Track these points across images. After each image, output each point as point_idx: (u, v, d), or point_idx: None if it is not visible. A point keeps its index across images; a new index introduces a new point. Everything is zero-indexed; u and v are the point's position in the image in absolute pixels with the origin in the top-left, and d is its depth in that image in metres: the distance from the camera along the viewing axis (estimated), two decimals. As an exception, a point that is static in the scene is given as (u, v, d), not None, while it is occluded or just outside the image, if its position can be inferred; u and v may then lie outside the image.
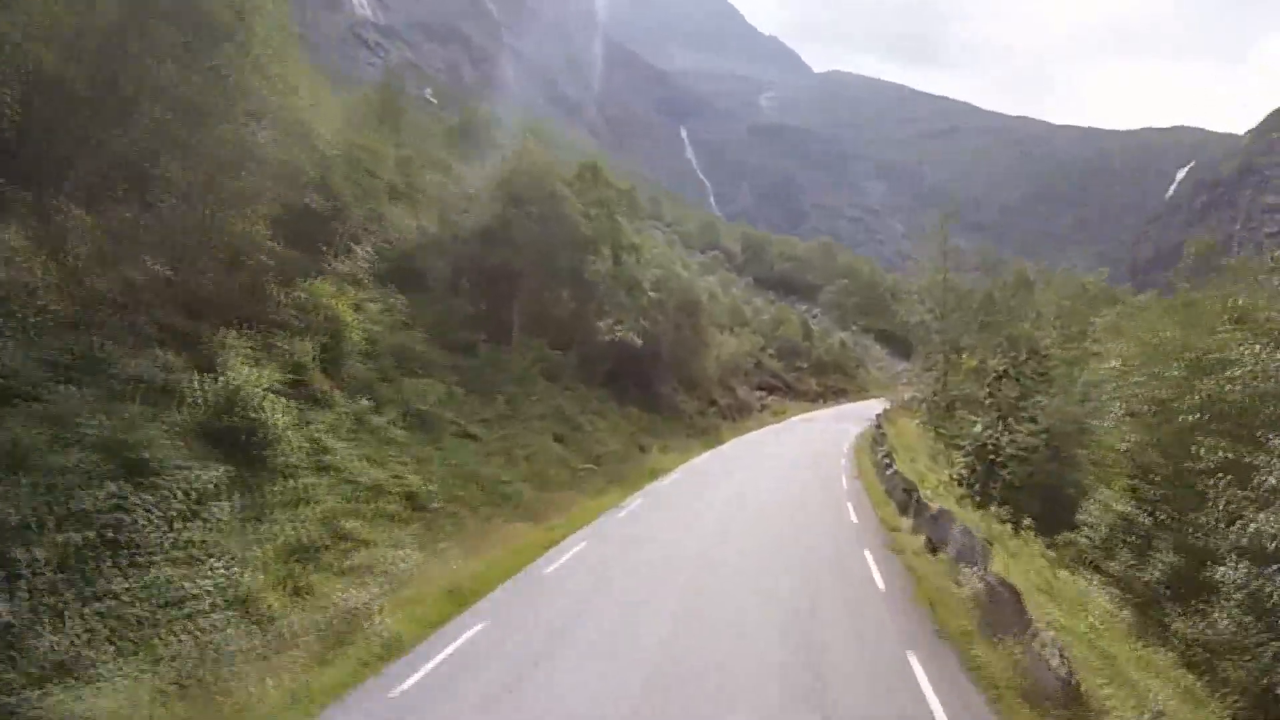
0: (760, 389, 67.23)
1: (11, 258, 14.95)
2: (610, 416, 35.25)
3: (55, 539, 11.54)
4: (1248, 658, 13.09)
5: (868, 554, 18.42)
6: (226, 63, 18.96)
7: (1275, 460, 13.77)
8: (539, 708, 10.22)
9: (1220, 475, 15.21)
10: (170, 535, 13.16)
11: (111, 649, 11.01)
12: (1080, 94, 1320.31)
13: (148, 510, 13.10)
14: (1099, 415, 23.61)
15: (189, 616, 12.17)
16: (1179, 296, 23.04)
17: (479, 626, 12.96)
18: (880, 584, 15.87)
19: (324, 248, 24.49)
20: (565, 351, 34.70)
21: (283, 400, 17.35)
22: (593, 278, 35.44)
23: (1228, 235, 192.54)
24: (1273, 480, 13.54)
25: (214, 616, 12.36)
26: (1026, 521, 21.97)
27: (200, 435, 15.72)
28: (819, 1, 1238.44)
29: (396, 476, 19.15)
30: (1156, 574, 17.27)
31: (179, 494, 13.94)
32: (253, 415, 16.21)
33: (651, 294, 39.63)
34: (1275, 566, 13.04)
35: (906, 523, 21.17)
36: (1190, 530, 16.43)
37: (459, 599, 14.17)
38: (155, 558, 12.69)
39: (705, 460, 37.30)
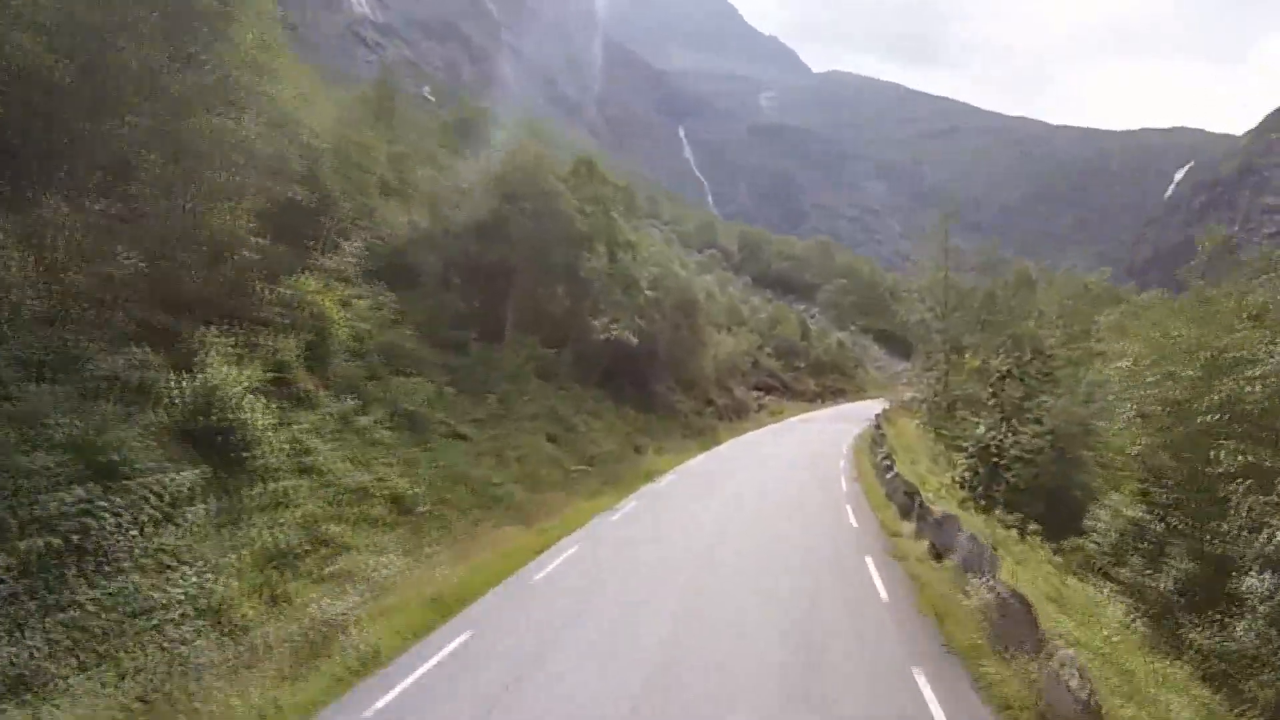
0: (758, 389, 66.64)
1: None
2: (605, 416, 34.64)
3: (18, 545, 11.00)
4: (1271, 672, 12.46)
5: (869, 560, 17.70)
6: (206, 49, 18.33)
7: None
8: None
9: (1240, 480, 14.59)
10: (141, 541, 12.62)
11: (74, 662, 10.48)
12: (1079, 94, 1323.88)
13: (117, 515, 12.52)
14: (1106, 416, 23.02)
15: (157, 627, 11.64)
16: (1193, 293, 22.25)
17: (463, 637, 12.30)
18: (883, 593, 15.14)
19: (311, 243, 23.84)
20: (560, 350, 34.05)
21: (263, 400, 16.74)
22: (588, 275, 34.81)
23: (1227, 237, 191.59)
24: None
25: (184, 627, 11.82)
26: (1032, 526, 21.34)
27: (177, 436, 15.16)
28: (818, 1, 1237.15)
29: (382, 479, 18.53)
30: (1170, 582, 16.65)
31: (151, 498, 13.38)
32: (230, 415, 15.62)
33: (648, 292, 39.00)
34: None
35: (908, 527, 20.42)
36: (1209, 537, 15.79)
37: (443, 607, 13.50)
38: (124, 565, 12.15)
39: (702, 461, 36.62)
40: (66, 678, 10.13)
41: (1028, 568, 17.30)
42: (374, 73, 73.13)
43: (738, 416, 55.25)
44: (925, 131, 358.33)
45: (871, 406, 65.74)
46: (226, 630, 12.21)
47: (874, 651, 11.91)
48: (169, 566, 12.69)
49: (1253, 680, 12.90)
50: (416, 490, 18.89)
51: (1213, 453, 15.25)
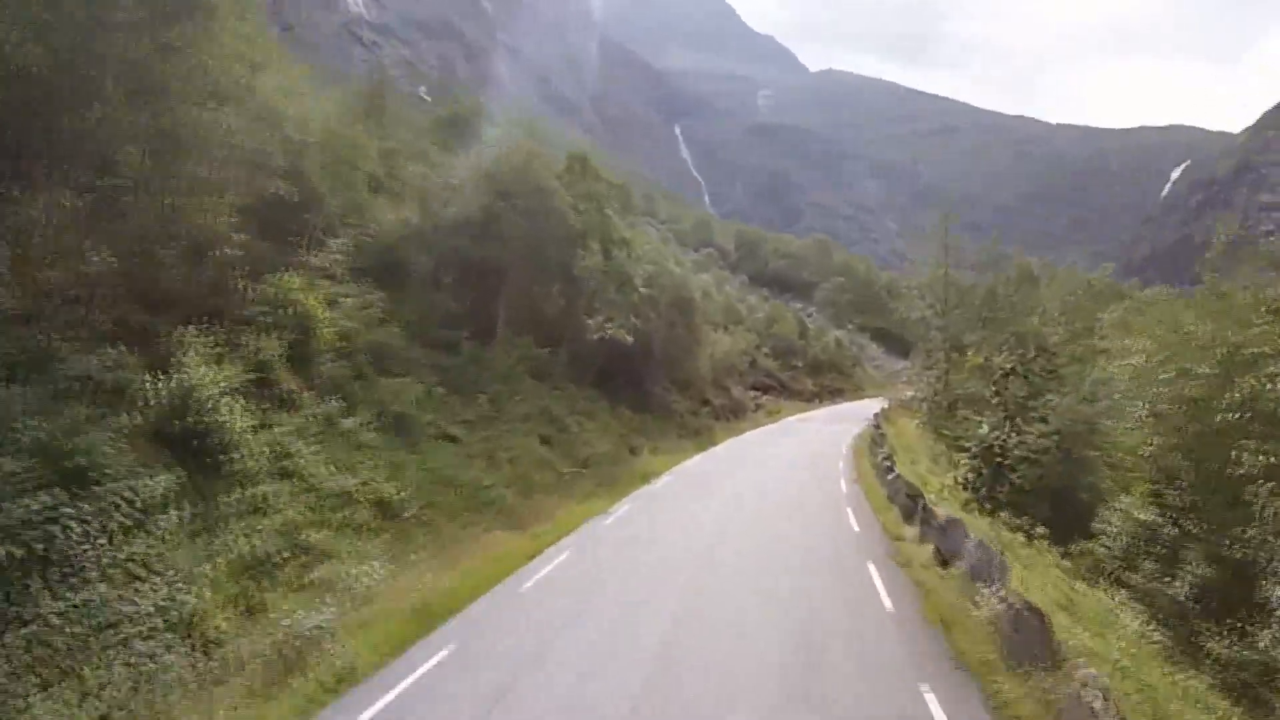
0: (755, 388, 66.05)
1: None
2: (599, 417, 34.02)
3: (-22, 556, 10.43)
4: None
5: (871, 567, 16.96)
6: (187, 41, 17.73)
7: None
8: None
9: (1262, 482, 13.96)
10: (109, 550, 12.01)
11: (35, 679, 9.87)
12: (1076, 93, 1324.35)
13: (85, 522, 11.94)
14: (1114, 415, 22.40)
15: (124, 641, 11.03)
16: (1207, 287, 21.53)
17: (445, 652, 11.64)
18: (887, 602, 14.38)
19: (295, 240, 23.21)
20: (553, 350, 33.46)
21: (241, 401, 16.14)
22: (582, 273, 34.22)
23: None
24: None
25: (152, 641, 11.19)
26: (1039, 529, 20.68)
27: (151, 439, 14.60)
28: (815, 1, 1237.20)
29: (367, 482, 17.87)
30: (1186, 589, 16.03)
31: (122, 504, 12.79)
32: (207, 418, 15.01)
33: (643, 290, 38.41)
34: None
35: (911, 531, 19.72)
36: (1228, 542, 15.17)
37: (426, 618, 12.85)
38: (90, 575, 11.55)
39: (698, 462, 36.03)
40: (27, 696, 9.55)
41: (1035, 573, 16.58)
42: (379, 77, 72.72)
43: (735, 416, 54.67)
44: (922, 130, 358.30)
45: (869, 406, 65.12)
46: (198, 644, 11.62)
47: (879, 666, 11.23)
48: (138, 577, 12.10)
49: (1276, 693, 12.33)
50: (403, 494, 18.25)
51: (1234, 453, 14.60)
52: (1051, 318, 38.57)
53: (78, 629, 10.75)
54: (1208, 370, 16.60)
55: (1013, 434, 25.51)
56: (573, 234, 34.08)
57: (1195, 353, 17.32)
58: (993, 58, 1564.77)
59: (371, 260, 26.36)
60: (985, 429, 27.21)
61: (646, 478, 29.56)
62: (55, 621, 10.62)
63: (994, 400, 28.43)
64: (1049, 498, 23.85)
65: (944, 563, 16.19)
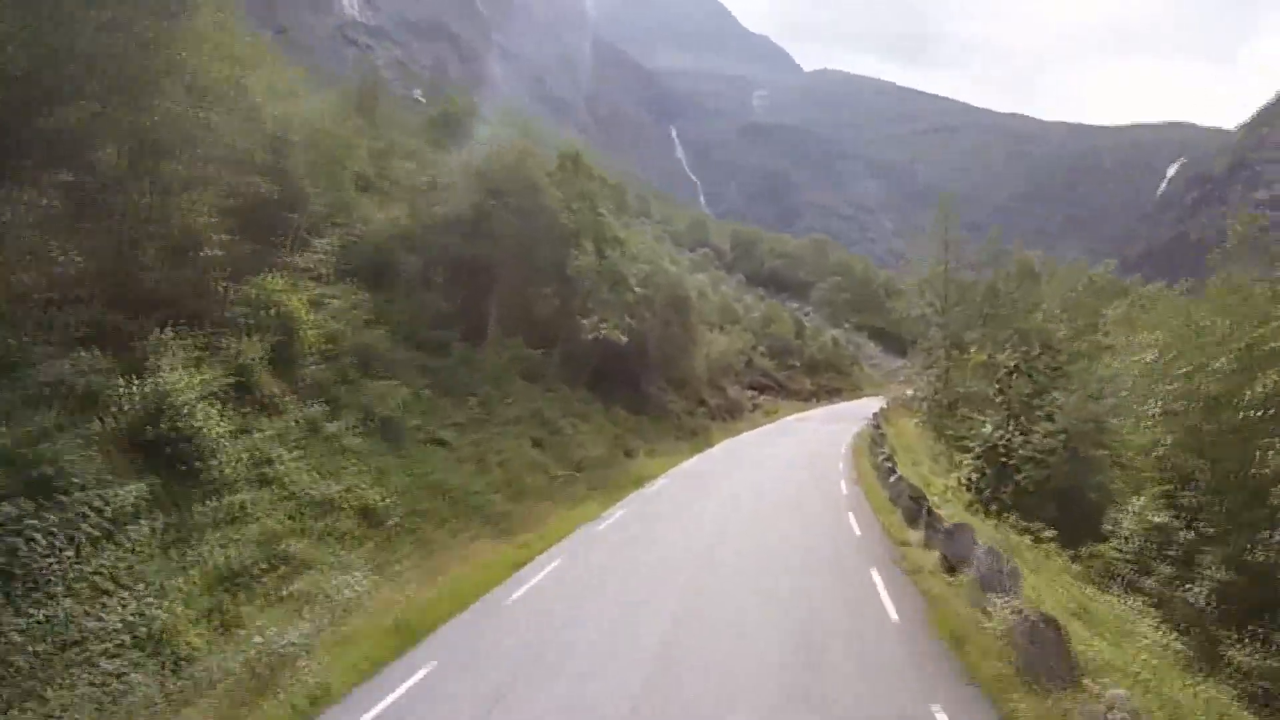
0: (752, 388, 65.52)
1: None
2: (594, 419, 33.42)
3: (-63, 571, 9.93)
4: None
5: (875, 574, 16.25)
6: (157, 30, 17.18)
7: None
8: None
9: None
10: (76, 563, 11.46)
11: (-5, 700, 9.33)
12: (1073, 91, 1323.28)
13: (50, 534, 11.40)
14: (1122, 413, 21.80)
15: (89, 659, 10.47)
16: (1221, 280, 20.87)
17: (425, 670, 11.03)
18: (892, 613, 13.67)
19: (279, 240, 22.63)
20: (546, 351, 32.85)
21: (219, 406, 15.57)
22: (575, 273, 33.64)
23: (1219, 231, 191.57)
24: None
25: (118, 659, 10.65)
26: (1049, 532, 20.04)
27: (124, 446, 14.00)
28: (810, 1, 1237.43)
29: (351, 489, 17.24)
30: (1203, 593, 15.44)
31: (90, 514, 12.23)
32: (182, 423, 14.42)
33: (638, 290, 37.82)
34: None
35: (915, 535, 19.02)
36: (1248, 545, 14.58)
37: (407, 633, 12.24)
38: (55, 590, 11.02)
39: (695, 464, 35.46)
40: (-15, 718, 9.02)
41: (1044, 577, 15.98)
42: (370, 76, 72.33)
43: (732, 417, 54.13)
44: (918, 129, 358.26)
45: (867, 405, 64.64)
46: (168, 662, 11.06)
47: (887, 683, 10.58)
48: (106, 591, 11.56)
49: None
50: (388, 501, 17.62)
51: (1257, 453, 14.02)
52: (1053, 314, 38.02)
53: (41, 647, 10.25)
54: (1225, 365, 16.00)
55: (1017, 433, 24.91)
56: (565, 233, 33.52)
57: (1211, 348, 16.71)
58: (989, 57, 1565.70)
59: (360, 261, 25.80)
60: (989, 428, 26.61)
61: (641, 481, 28.90)
62: (17, 639, 10.12)
63: (997, 399, 27.83)
64: (1055, 499, 23.25)
65: (951, 569, 15.53)
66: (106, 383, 14.44)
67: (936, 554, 16.83)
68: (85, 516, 12.10)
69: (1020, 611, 10.61)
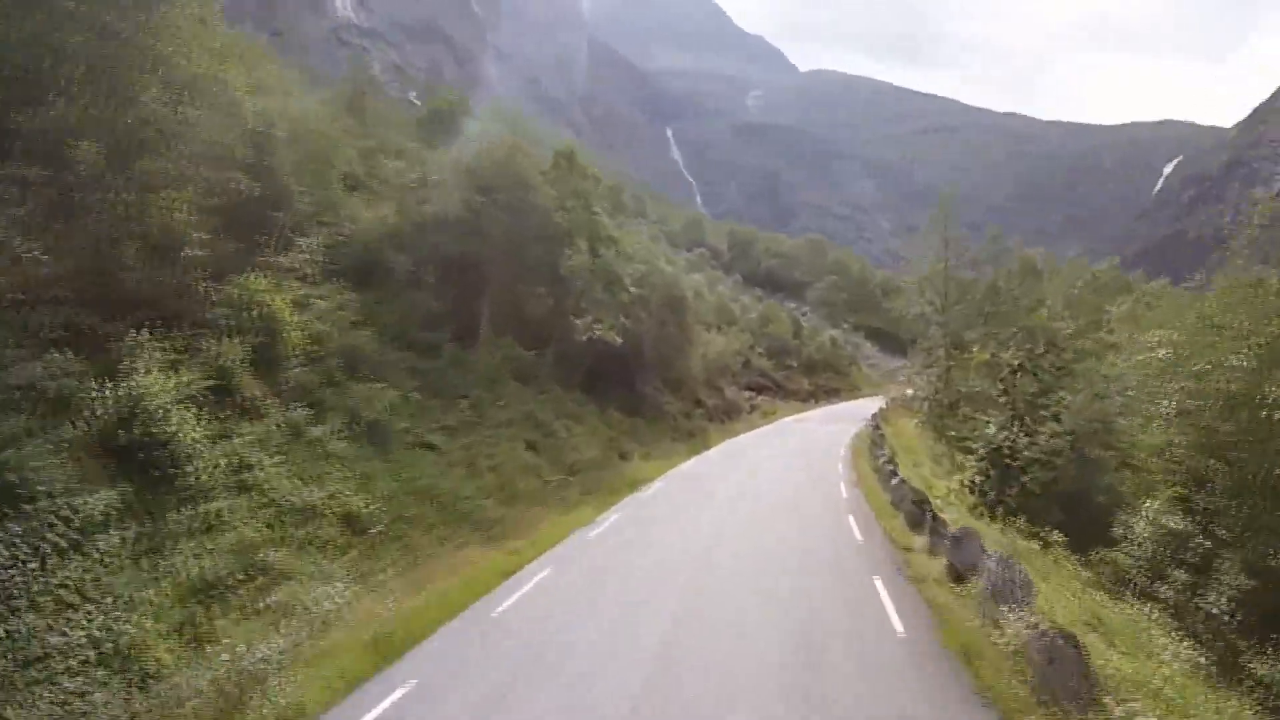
0: (749, 389, 65.03)
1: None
2: (588, 421, 32.83)
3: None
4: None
5: (878, 583, 15.50)
6: (129, 20, 16.67)
7: None
8: None
9: None
10: (40, 576, 10.89)
11: (-50, 722, 8.83)
12: (1069, 90, 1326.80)
13: (12, 545, 10.87)
14: (1132, 412, 21.19)
15: (51, 677, 9.92)
16: (1236, 273, 20.20)
17: (403, 690, 10.40)
18: (898, 625, 12.92)
19: (262, 239, 22.05)
20: (539, 351, 32.29)
21: (195, 410, 14.99)
22: (569, 272, 33.06)
23: (1217, 229, 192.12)
24: None
25: (82, 677, 10.09)
26: (1056, 537, 19.39)
27: (96, 452, 13.45)
28: (804, 2, 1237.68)
29: (334, 495, 16.64)
30: (1222, 601, 14.85)
31: (57, 523, 11.68)
32: (155, 428, 13.87)
33: (633, 290, 37.25)
34: None
35: (919, 541, 18.38)
36: (1271, 550, 13.98)
37: (386, 649, 11.60)
38: (17, 604, 10.44)
39: (691, 466, 34.91)
40: (-60, 742, 8.51)
41: (1053, 583, 15.30)
42: (362, 76, 71.95)
43: (729, 418, 53.63)
44: (914, 129, 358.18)
45: (866, 405, 64.17)
46: (135, 679, 10.50)
47: (897, 703, 9.91)
48: (71, 605, 10.99)
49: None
50: (372, 508, 17.01)
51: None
52: (1056, 312, 37.41)
53: (1, 664, 9.66)
54: (1245, 363, 15.39)
55: (1022, 434, 24.29)
56: (559, 231, 32.96)
57: (1228, 344, 16.10)
58: (984, 57, 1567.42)
59: (349, 261, 25.25)
60: (992, 429, 25.94)
61: (636, 485, 28.32)
62: (-25, 656, 9.57)
63: (1001, 398, 27.20)
64: (1061, 501, 22.63)
65: (958, 578, 14.84)
66: (79, 386, 13.91)
67: (942, 561, 16.14)
68: (52, 526, 11.59)
69: (1036, 626, 9.99)
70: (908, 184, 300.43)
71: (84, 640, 10.57)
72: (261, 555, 13.83)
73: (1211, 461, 16.78)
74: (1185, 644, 13.86)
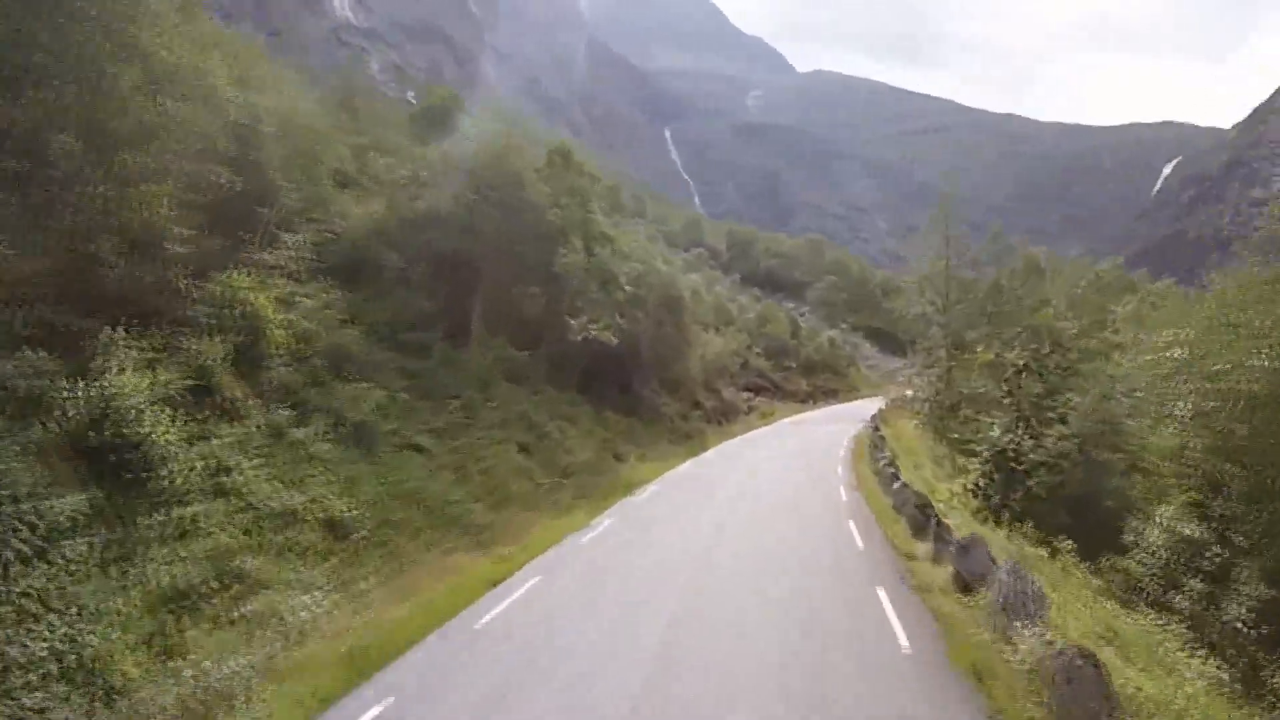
0: (747, 390, 64.54)
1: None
2: (583, 422, 32.27)
3: None
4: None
5: (882, 594, 14.75)
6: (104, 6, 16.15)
7: None
8: None
9: None
10: (2, 585, 10.35)
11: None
12: (1068, 90, 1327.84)
13: (-28, 553, 10.30)
14: (1141, 414, 20.59)
15: (8, 692, 9.38)
16: (1252, 269, 19.59)
17: (379, 708, 9.85)
18: (903, 641, 12.15)
19: (248, 235, 21.51)
20: (533, 351, 31.74)
21: (169, 411, 14.42)
22: (563, 271, 32.53)
23: (1216, 229, 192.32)
24: None
25: (41, 693, 9.53)
26: (1066, 543, 18.74)
27: (67, 455, 12.92)
28: (803, 3, 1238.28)
29: (316, 499, 16.06)
30: (1241, 612, 14.25)
31: (21, 529, 11.14)
32: (128, 429, 13.33)
33: (629, 289, 36.75)
34: None
35: (923, 548, 17.73)
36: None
37: (363, 663, 11.02)
38: (-24, 615, 9.90)
39: (688, 468, 34.37)
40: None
41: (1063, 593, 14.65)
42: (359, 76, 71.57)
43: (726, 419, 53.13)
44: (913, 129, 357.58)
45: (865, 406, 63.71)
46: (99, 694, 9.95)
47: None
48: (33, 615, 10.43)
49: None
50: (355, 512, 16.42)
51: None
52: (1060, 311, 36.80)
53: (-43, 680, 9.18)
54: (1265, 363, 14.78)
55: (1027, 436, 23.69)
56: (553, 229, 32.41)
57: (1247, 342, 15.48)
58: (984, 57, 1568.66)
59: (338, 258, 24.74)
60: (997, 431, 25.31)
61: (631, 488, 27.74)
62: (-70, 673, 9.06)
63: (1005, 400, 26.57)
64: (1068, 506, 22.01)
65: (965, 588, 14.16)
66: (51, 385, 13.37)
67: (948, 570, 15.48)
68: (16, 531, 11.06)
69: (1052, 644, 9.37)
70: (906, 184, 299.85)
71: (46, 653, 10.02)
72: (237, 562, 13.25)
73: (1228, 465, 16.18)
74: (1205, 658, 13.24)
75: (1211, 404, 16.45)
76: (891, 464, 28.46)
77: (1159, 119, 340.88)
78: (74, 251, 16.59)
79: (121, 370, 14.17)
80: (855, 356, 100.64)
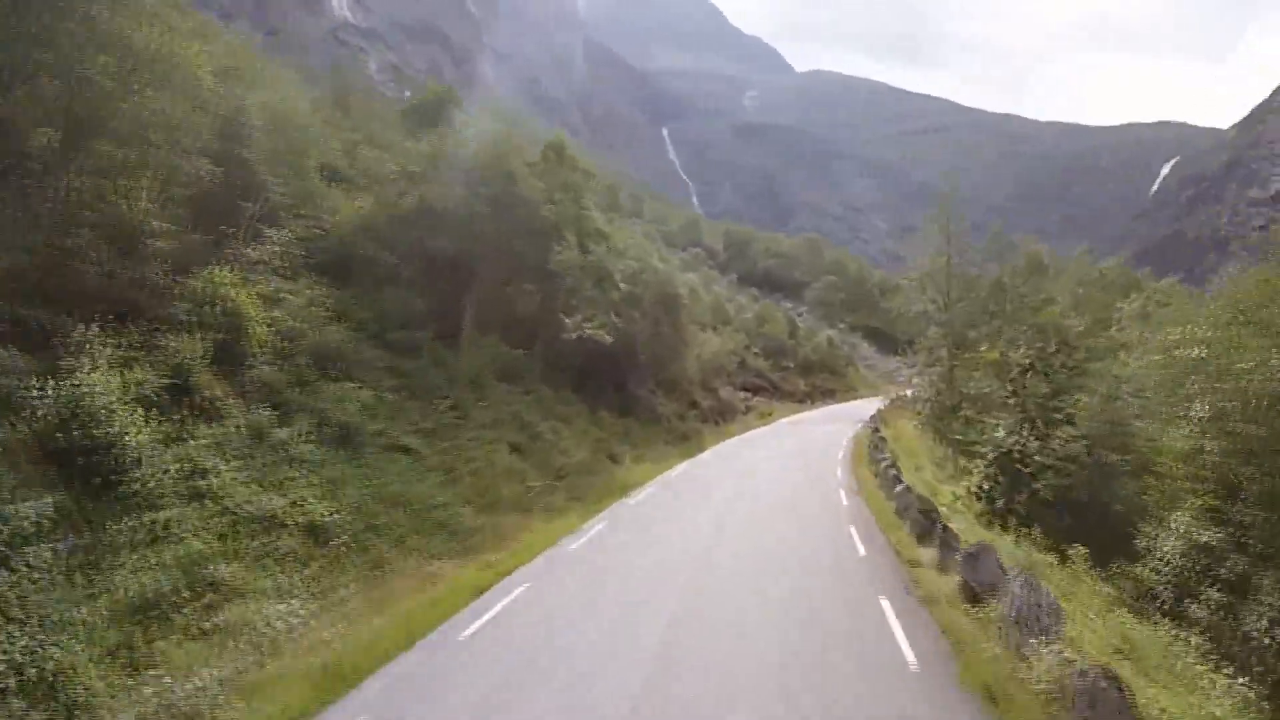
0: (745, 390, 64.01)
1: None
2: (577, 423, 31.68)
3: None
4: None
5: (886, 605, 13.97)
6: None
7: None
8: None
9: None
10: (-41, 594, 9.85)
11: None
12: (1067, 90, 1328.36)
13: (-71, 561, 9.79)
14: (1152, 415, 20.03)
15: (-37, 708, 8.89)
16: (1274, 265, 18.97)
17: None
18: (910, 657, 11.40)
19: (230, 230, 20.96)
20: (527, 350, 31.17)
21: (143, 411, 13.89)
22: (557, 268, 31.98)
23: (1215, 229, 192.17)
24: None
25: (-1, 708, 9.04)
26: (1079, 551, 18.08)
27: (35, 457, 12.39)
28: (801, 3, 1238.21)
29: (297, 503, 15.47)
30: (1263, 624, 13.68)
31: (-15, 535, 10.61)
32: (98, 430, 12.79)
33: (624, 287, 36.21)
34: None
35: (928, 554, 17.00)
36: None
37: (336, 679, 10.37)
38: (-68, 627, 9.38)
39: (685, 470, 33.76)
40: None
41: (1075, 603, 13.99)
42: (358, 76, 71.11)
43: (724, 419, 52.60)
44: (911, 129, 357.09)
45: (863, 406, 63.19)
46: (59, 710, 9.42)
47: None
48: (-8, 626, 9.92)
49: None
50: (336, 516, 15.83)
51: None
52: (1065, 310, 36.23)
53: (-90, 694, 8.68)
54: None
55: (1033, 438, 23.10)
56: (547, 226, 31.85)
57: (1268, 340, 14.90)
58: (983, 57, 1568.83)
59: (327, 255, 24.22)
60: (1001, 432, 24.70)
61: (626, 490, 27.09)
62: (-123, 687, 8.56)
63: (1010, 400, 25.98)
64: (1076, 510, 21.40)
65: (974, 598, 13.45)
66: (20, 384, 12.85)
67: (955, 579, 14.79)
68: (-23, 538, 10.52)
69: (1073, 663, 8.75)
70: (906, 184, 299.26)
71: (4, 666, 9.50)
72: (211, 570, 12.71)
73: (1247, 469, 15.58)
74: (1229, 674, 12.58)
75: (1231, 403, 15.83)
76: (893, 465, 27.85)
77: (1158, 119, 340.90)
78: (51, 246, 16.15)
79: (94, 369, 13.66)
80: (853, 356, 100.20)
